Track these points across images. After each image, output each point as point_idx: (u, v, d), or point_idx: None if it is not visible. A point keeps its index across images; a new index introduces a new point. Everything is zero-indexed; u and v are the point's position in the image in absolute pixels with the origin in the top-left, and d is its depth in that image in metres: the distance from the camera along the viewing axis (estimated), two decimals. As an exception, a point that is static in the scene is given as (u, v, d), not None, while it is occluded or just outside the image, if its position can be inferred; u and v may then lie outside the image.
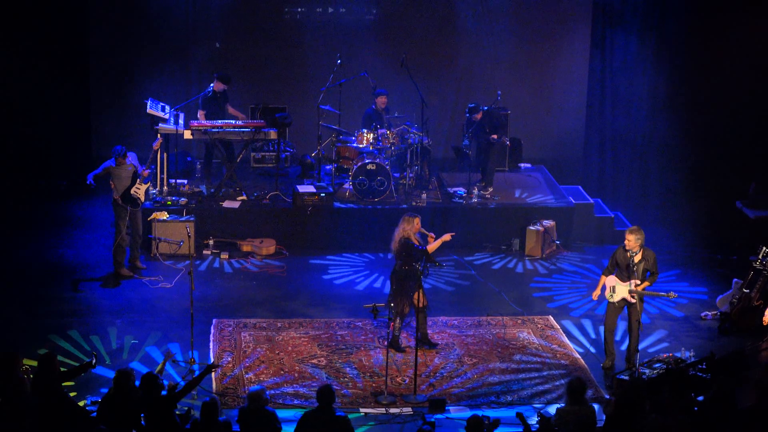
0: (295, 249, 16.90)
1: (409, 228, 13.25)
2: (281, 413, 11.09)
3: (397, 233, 13.32)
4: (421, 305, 13.28)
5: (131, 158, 15.63)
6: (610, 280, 13.07)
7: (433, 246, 13.30)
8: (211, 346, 13.56)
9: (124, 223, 15.44)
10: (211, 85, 17.46)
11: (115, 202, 15.49)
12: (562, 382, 12.59)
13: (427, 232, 13.42)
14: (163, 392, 10.64)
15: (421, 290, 13.17)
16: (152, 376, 10.60)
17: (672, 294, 13.00)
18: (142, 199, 15.59)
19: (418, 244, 13.25)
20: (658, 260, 13.06)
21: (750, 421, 10.38)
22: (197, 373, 12.67)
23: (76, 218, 17.90)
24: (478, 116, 17.58)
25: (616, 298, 12.99)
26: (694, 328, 14.56)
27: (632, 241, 12.87)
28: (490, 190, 17.82)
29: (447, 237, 13.36)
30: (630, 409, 10.31)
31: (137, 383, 10.55)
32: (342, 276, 16.13)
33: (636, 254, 12.88)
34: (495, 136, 17.57)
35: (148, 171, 15.76)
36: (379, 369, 13.02)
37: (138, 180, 15.47)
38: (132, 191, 15.43)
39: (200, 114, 17.49)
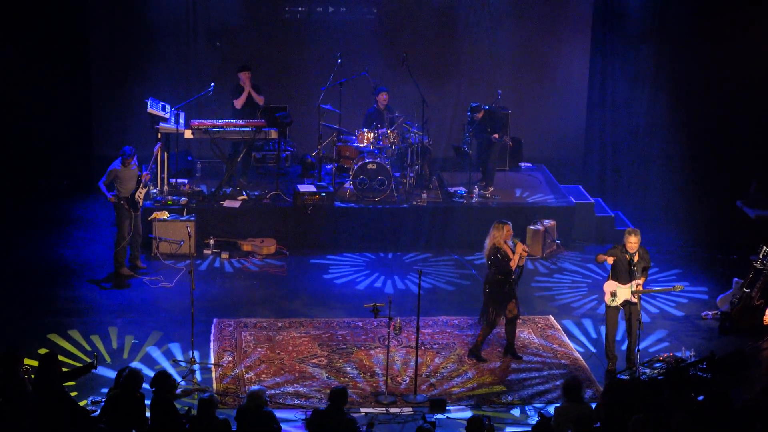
0: (295, 248, 16.89)
1: (500, 235, 13.08)
2: (281, 413, 11.10)
3: (488, 241, 13.17)
4: (511, 315, 13.26)
5: (134, 158, 15.67)
6: (609, 286, 13.00)
7: (515, 257, 13.14)
8: (211, 346, 13.56)
9: (127, 225, 15.44)
10: (239, 76, 17.49)
11: (117, 203, 15.47)
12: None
13: (518, 241, 13.22)
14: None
15: (515, 299, 13.17)
16: (167, 374, 10.62)
17: (678, 286, 12.98)
18: (141, 203, 15.61)
19: (509, 252, 13.08)
20: (659, 259, 13.05)
21: (748, 421, 10.39)
22: (198, 372, 12.71)
23: (76, 218, 17.89)
24: (480, 115, 17.55)
25: (618, 302, 12.95)
26: (695, 327, 14.55)
27: (635, 242, 12.86)
28: (491, 189, 17.80)
29: (519, 249, 13.14)
30: (622, 409, 10.30)
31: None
32: (342, 276, 16.12)
33: (634, 255, 12.88)
34: (496, 136, 17.55)
35: (149, 175, 15.78)
36: (379, 369, 13.02)
37: (141, 184, 15.48)
38: (136, 195, 15.44)
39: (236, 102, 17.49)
